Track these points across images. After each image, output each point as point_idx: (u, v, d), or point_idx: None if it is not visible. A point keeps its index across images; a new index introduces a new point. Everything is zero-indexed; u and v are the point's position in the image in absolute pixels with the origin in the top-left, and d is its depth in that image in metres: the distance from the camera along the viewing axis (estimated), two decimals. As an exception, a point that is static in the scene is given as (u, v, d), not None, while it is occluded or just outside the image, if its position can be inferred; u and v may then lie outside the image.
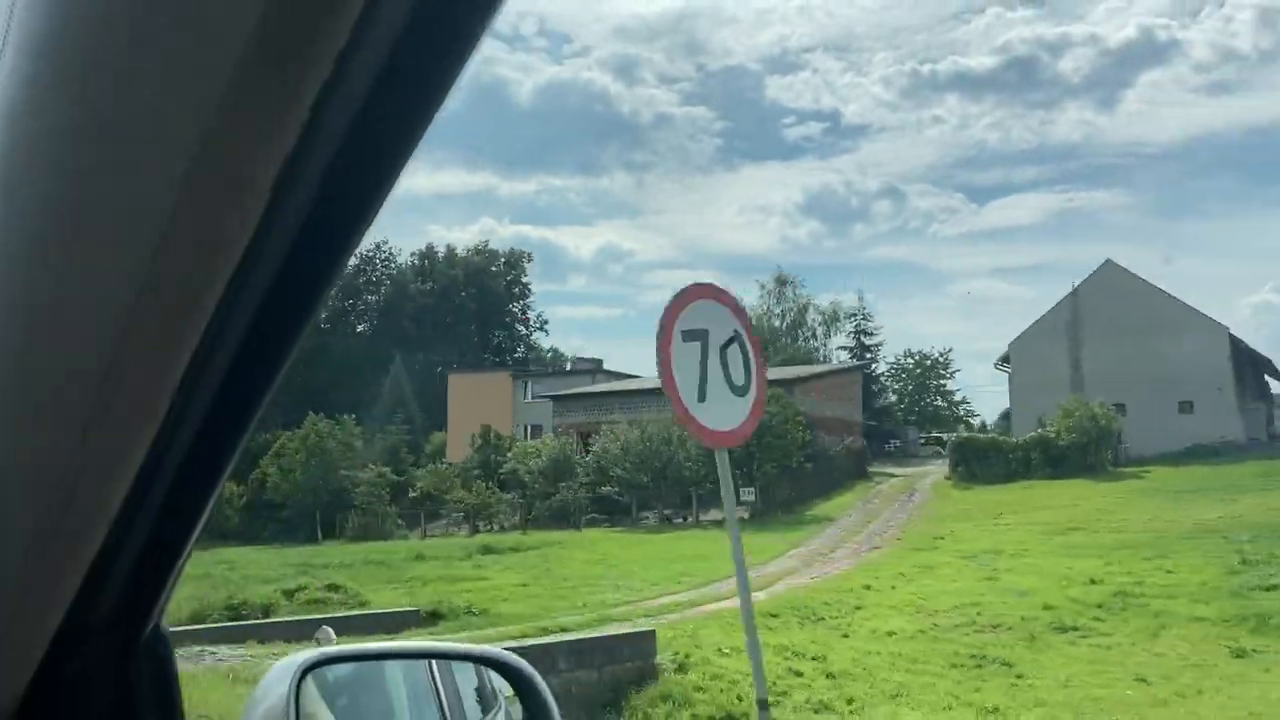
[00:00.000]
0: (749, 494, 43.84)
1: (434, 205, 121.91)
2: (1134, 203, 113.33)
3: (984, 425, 73.17)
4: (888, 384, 72.12)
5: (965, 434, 50.65)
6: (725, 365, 6.20)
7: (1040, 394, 51.98)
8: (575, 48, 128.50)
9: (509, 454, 57.33)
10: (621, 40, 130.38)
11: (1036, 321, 55.92)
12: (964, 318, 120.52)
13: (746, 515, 44.00)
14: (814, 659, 17.31)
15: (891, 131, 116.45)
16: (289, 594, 23.61)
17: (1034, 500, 40.28)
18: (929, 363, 70.91)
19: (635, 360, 73.28)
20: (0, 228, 0.81)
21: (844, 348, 74.72)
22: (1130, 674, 16.16)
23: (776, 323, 78.04)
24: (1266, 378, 57.37)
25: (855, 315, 73.85)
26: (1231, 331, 52.26)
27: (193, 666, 12.72)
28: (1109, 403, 47.21)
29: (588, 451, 53.18)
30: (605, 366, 74.00)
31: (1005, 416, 72.36)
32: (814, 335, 77.88)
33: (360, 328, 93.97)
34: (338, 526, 52.37)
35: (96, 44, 0.70)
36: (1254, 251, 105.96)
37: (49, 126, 0.75)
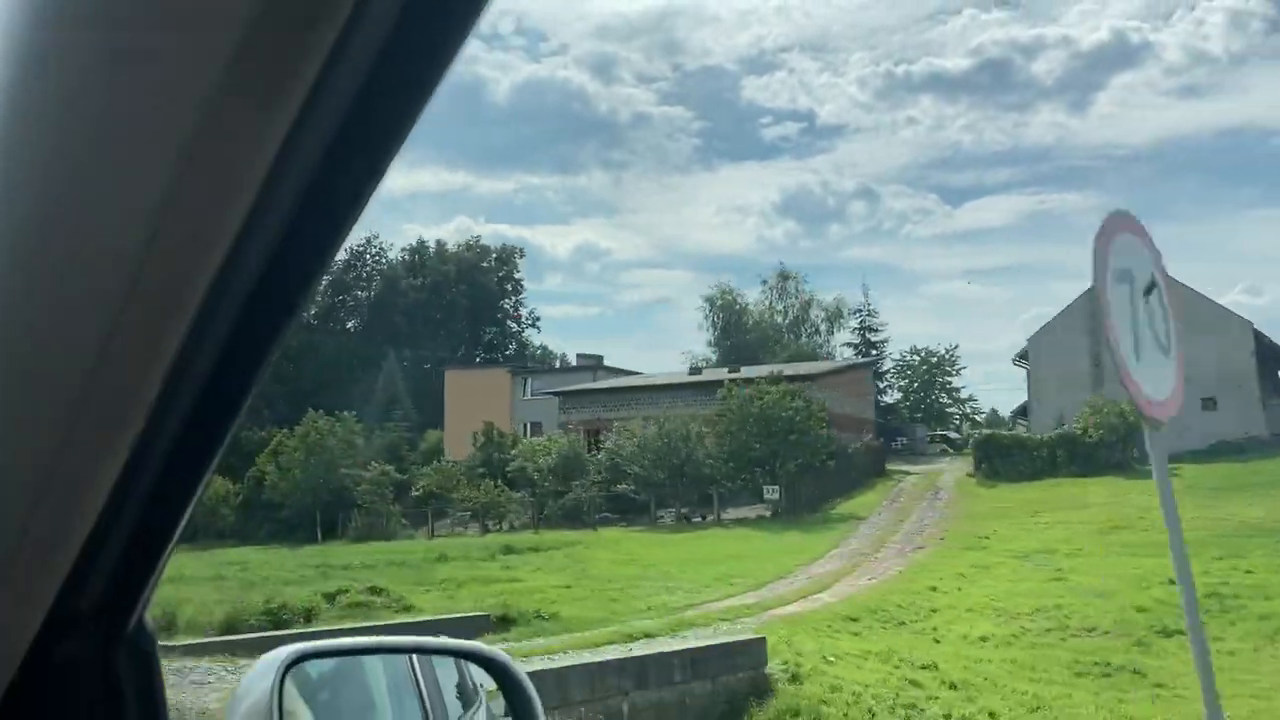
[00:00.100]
0: (773, 492, 42.68)
1: (410, 204, 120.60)
2: (1105, 205, 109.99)
3: (989, 422, 72.50)
4: (893, 381, 71.14)
5: (988, 431, 49.56)
6: (1150, 316, 4.88)
7: (1059, 390, 51.02)
8: (553, 46, 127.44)
9: (513, 451, 56.02)
10: (599, 39, 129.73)
11: (1055, 317, 54.87)
12: (937, 319, 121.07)
13: (768, 514, 42.86)
14: (924, 668, 16.10)
15: (867, 132, 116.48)
16: (329, 597, 22.23)
17: (1067, 498, 39.26)
18: (934, 359, 69.81)
19: (614, 360, 72.44)
20: None
21: (849, 344, 73.77)
22: (1275, 683, 15.01)
23: (779, 319, 77.01)
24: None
25: (860, 311, 72.88)
26: (1256, 327, 51.45)
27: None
28: (1120, 400, 46.21)
29: (595, 449, 51.92)
30: (602, 364, 72.53)
31: (996, 414, 71.95)
32: (817, 331, 76.84)
33: (350, 324, 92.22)
34: (340, 526, 50.76)
35: (84, 45, 0.71)
36: (1224, 254, 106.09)
37: (37, 127, 0.76)
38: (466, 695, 2.72)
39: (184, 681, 11.07)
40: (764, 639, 14.94)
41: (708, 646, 14.12)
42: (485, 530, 47.47)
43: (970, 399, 71.84)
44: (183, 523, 1.05)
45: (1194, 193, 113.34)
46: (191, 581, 31.24)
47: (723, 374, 58.68)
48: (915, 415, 68.45)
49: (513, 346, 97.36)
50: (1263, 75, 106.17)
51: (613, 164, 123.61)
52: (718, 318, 77.11)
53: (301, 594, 22.97)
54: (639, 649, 14.04)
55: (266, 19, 0.63)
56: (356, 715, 2.70)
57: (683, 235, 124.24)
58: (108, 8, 0.68)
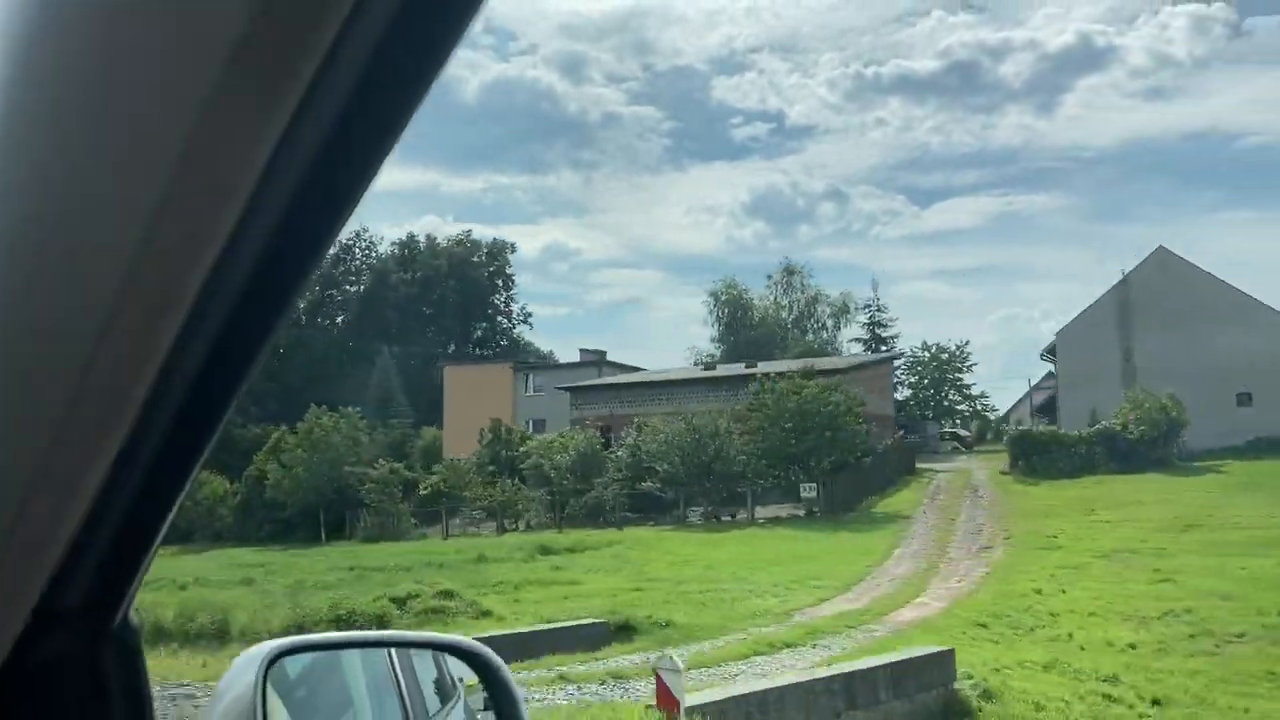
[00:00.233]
0: (810, 490, 41.13)
1: (377, 202, 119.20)
2: (1071, 206, 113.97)
3: (999, 420, 71.50)
4: (902, 378, 69.75)
5: (1022, 427, 48.24)
6: None
7: (1089, 386, 49.85)
8: (522, 45, 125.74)
9: (522, 449, 54.32)
10: (569, 39, 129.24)
11: (1083, 311, 53.73)
12: (906, 319, 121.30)
13: (802, 513, 41.33)
14: (1105, 680, 14.58)
15: (836, 133, 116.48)
16: (399, 602, 20.50)
17: (1117, 496, 37.99)
18: (945, 356, 68.46)
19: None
20: None
21: (857, 340, 72.31)
22: None
23: (784, 314, 75.56)
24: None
25: (869, 306, 71.48)
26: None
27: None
28: (1160, 395, 45.07)
29: (609, 446, 50.29)
30: (605, 359, 70.84)
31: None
32: (824, 327, 75.44)
33: (340, 319, 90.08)
34: (348, 526, 48.79)
35: (82, 45, 0.72)
36: (1188, 256, 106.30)
37: (35, 127, 0.78)
38: (445, 689, 2.68)
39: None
40: (951, 652, 13.38)
41: (901, 662, 12.50)
42: (503, 530, 45.70)
43: (982, 395, 70.56)
44: (169, 520, 1.04)
45: (1160, 195, 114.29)
46: (220, 585, 29.42)
47: (737, 369, 57.27)
48: (925, 412, 67.16)
49: (504, 342, 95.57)
50: (1225, 79, 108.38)
51: (582, 164, 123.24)
52: (722, 313, 75.59)
53: (362, 599, 21.19)
54: (844, 666, 12.36)
55: (265, 18, 0.63)
56: (335, 712, 2.64)
57: (652, 235, 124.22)
58: (105, 7, 0.69)
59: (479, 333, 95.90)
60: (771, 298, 76.09)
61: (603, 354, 71.28)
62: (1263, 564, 23.97)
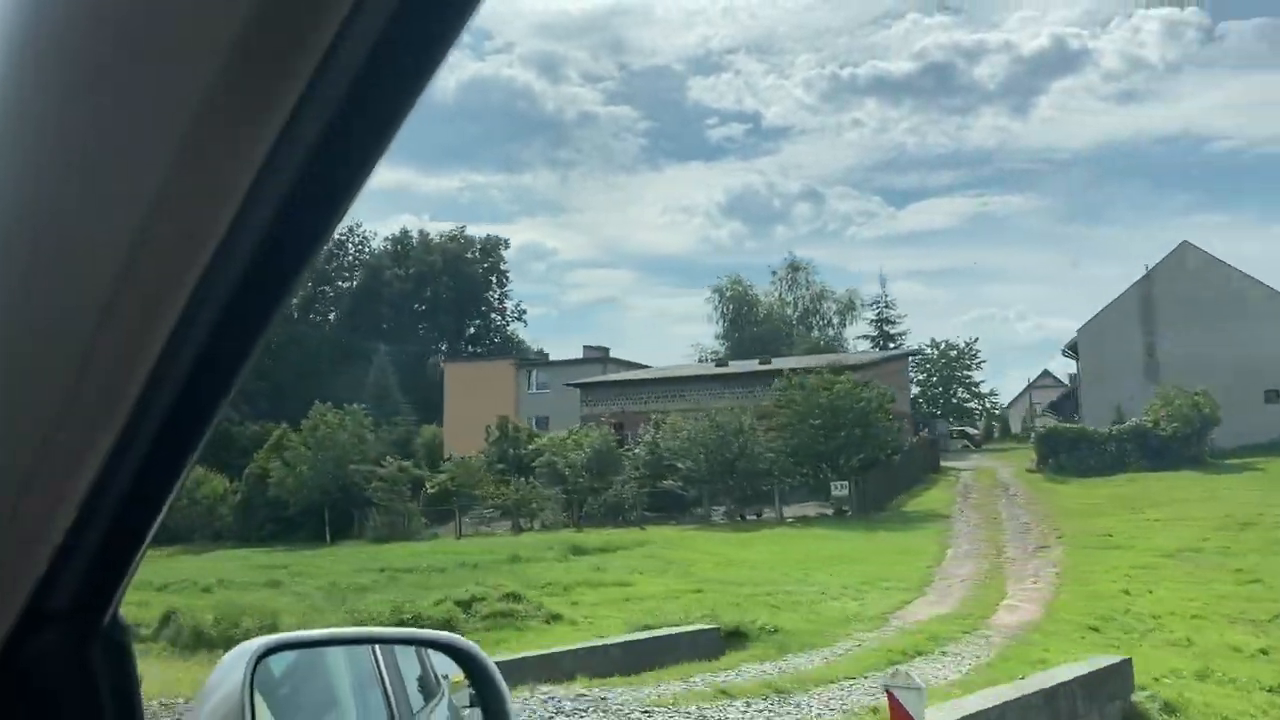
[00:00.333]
0: (841, 488, 40.00)
1: (353, 201, 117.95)
2: (1045, 207, 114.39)
3: (1006, 417, 70.78)
4: (911, 375, 68.78)
5: (1051, 424, 47.29)
6: None
7: (1112, 382, 48.95)
8: (498, 44, 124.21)
9: (531, 446, 53.07)
10: (545, 38, 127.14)
11: (1107, 307, 52.84)
12: (841, 324, 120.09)
13: (830, 512, 40.22)
14: (1269, 690, 13.46)
15: (812, 134, 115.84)
16: (464, 605, 19.17)
17: (1155, 494, 37.12)
18: (954, 353, 67.62)
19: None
20: None
21: (865, 336, 71.35)
22: None
23: (789, 311, 74.49)
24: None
25: (877, 303, 70.50)
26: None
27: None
28: (1193, 391, 44.24)
29: (622, 443, 49.11)
30: (609, 355, 69.65)
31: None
32: (829, 324, 74.39)
33: (332, 315, 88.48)
34: (356, 525, 47.33)
35: (78, 46, 0.72)
36: (1158, 257, 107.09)
37: (32, 127, 0.78)
38: (428, 685, 2.65)
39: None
40: (1128, 661, 12.25)
41: (1090, 674, 11.34)
42: (519, 529, 44.36)
43: (991, 393, 69.74)
44: (160, 520, 1.04)
45: (1133, 197, 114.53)
46: (245, 587, 27.99)
47: (751, 366, 56.18)
48: (934, 410, 66.25)
49: (497, 340, 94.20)
50: (1197, 83, 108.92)
51: (558, 163, 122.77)
52: (727, 309, 74.41)
53: (423, 601, 19.90)
54: (1039, 679, 11.19)
55: (264, 17, 0.64)
56: (319, 709, 2.60)
57: (628, 235, 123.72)
58: (104, 8, 0.69)
59: (472, 330, 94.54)
60: (776, 294, 75.04)
61: (606, 350, 70.11)
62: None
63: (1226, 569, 23.98)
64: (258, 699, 1.97)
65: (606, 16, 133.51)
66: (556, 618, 19.16)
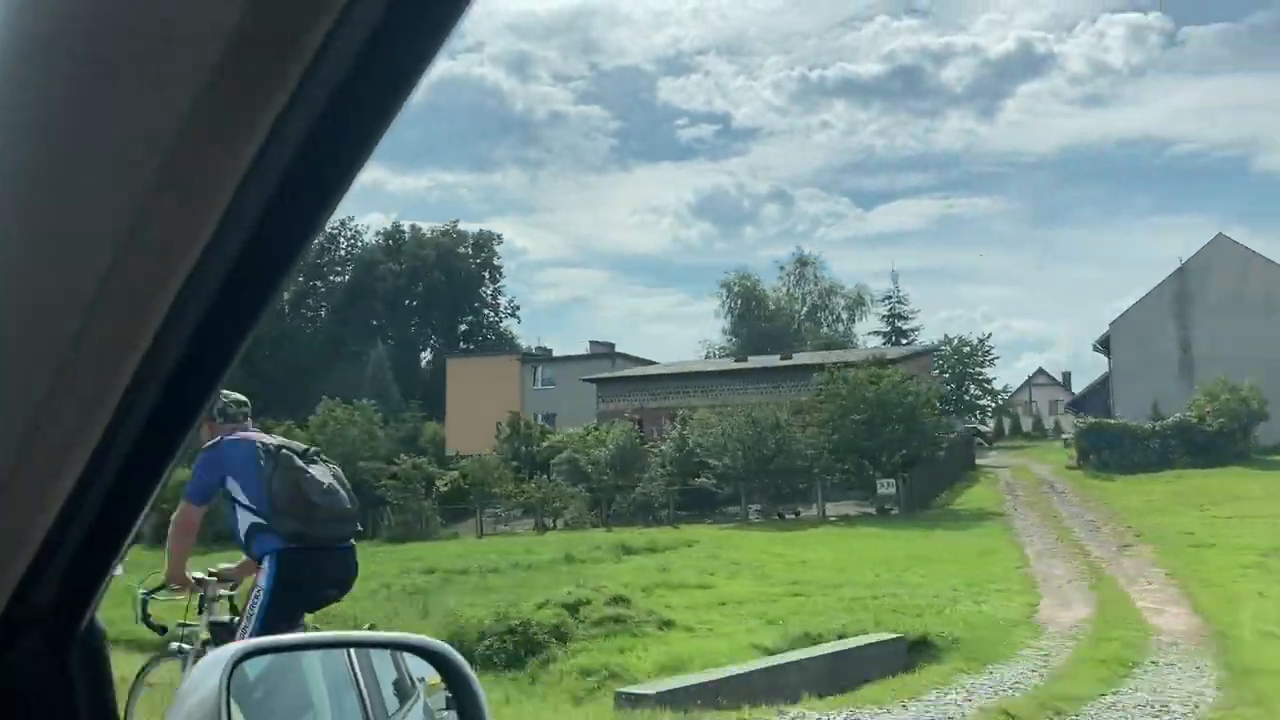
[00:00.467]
0: (888, 486, 38.61)
1: None
2: (1011, 210, 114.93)
3: (1015, 414, 69.78)
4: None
5: (1091, 420, 46.04)
6: None
7: (1146, 378, 47.83)
8: (468, 43, 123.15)
9: (544, 443, 51.49)
10: (515, 37, 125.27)
11: (1138, 302, 51.76)
12: (849, 321, 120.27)
13: (873, 510, 38.82)
14: None
15: (781, 135, 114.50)
16: (572, 609, 17.55)
17: (1211, 491, 35.88)
18: (967, 350, 66.43)
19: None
20: None
21: (876, 332, 70.04)
22: None
23: (798, 306, 73.16)
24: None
25: (889, 298, 69.23)
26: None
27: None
28: (1241, 385, 43.13)
29: (643, 440, 47.61)
30: (615, 350, 68.16)
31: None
32: (839, 319, 73.11)
33: (324, 311, 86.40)
34: (369, 524, 45.41)
35: (67, 46, 0.72)
36: (1122, 260, 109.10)
37: (16, 124, 0.78)
38: (404, 689, 2.57)
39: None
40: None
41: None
42: (542, 528, 42.74)
43: (1005, 390, 68.62)
44: (139, 522, 1.03)
45: (1097, 199, 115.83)
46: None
47: (772, 361, 54.80)
48: (947, 407, 65.03)
49: (491, 336, 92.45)
50: (1160, 88, 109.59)
51: (529, 162, 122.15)
52: (735, 304, 72.99)
53: (525, 605, 18.27)
54: None
55: (254, 19, 0.64)
56: (293, 714, 2.59)
57: (598, 235, 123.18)
58: (95, 10, 0.69)
59: (465, 326, 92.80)
60: (784, 289, 73.67)
61: (612, 346, 68.67)
62: None
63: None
64: (234, 704, 1.92)
65: (577, 16, 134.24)
66: (668, 624, 17.59)
